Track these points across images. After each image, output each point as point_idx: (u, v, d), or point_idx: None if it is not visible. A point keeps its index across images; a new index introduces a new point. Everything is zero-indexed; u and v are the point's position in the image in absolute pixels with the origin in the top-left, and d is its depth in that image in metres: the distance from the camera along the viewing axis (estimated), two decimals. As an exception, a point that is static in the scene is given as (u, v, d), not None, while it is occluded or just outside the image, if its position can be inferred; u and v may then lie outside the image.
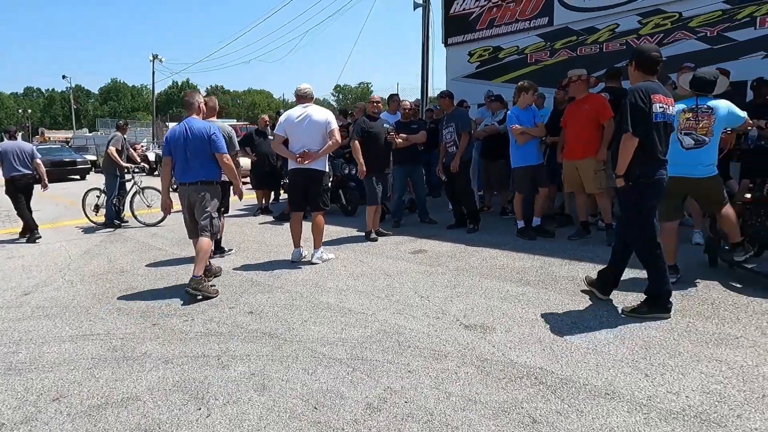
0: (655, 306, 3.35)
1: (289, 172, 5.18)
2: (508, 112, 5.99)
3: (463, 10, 10.25)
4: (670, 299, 3.36)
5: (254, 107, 74.26)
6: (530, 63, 9.36)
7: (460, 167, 6.24)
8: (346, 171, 8.08)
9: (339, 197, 8.05)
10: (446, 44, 10.68)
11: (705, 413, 2.27)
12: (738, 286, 3.89)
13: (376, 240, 6.05)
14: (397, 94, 8.22)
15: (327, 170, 5.24)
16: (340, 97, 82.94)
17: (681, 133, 3.89)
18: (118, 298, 4.30)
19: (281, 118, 5.19)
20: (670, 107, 3.35)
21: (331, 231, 6.65)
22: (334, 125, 5.16)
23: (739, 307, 3.48)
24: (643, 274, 3.61)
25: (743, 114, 3.87)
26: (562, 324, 3.34)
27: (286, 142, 5.08)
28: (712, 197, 3.96)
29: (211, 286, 4.30)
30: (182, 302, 4.10)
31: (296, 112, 5.11)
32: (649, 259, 3.38)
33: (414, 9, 12.48)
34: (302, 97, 5.19)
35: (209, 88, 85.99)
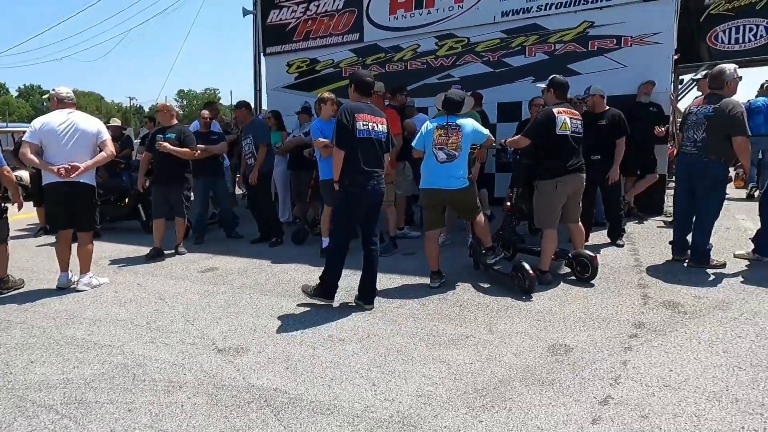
0: (324, 291, 3.93)
1: (49, 186, 4.54)
2: (311, 124, 5.99)
3: (280, 20, 10.17)
4: (335, 292, 3.95)
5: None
6: (345, 77, 9.59)
7: (259, 179, 6.09)
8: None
9: (139, 213, 7.36)
10: (265, 53, 10.50)
11: (408, 417, 2.39)
12: (486, 286, 4.31)
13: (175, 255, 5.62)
14: (213, 102, 7.82)
15: (95, 184, 4.70)
16: (185, 102, 77.65)
17: (435, 148, 4.21)
18: None
19: (35, 124, 4.52)
20: (379, 125, 3.81)
21: (122, 250, 6.03)
22: (107, 135, 4.67)
23: (481, 306, 3.84)
24: (407, 280, 3.79)
25: (486, 132, 4.32)
26: (318, 338, 3.35)
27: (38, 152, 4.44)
28: (466, 206, 4.35)
29: None
30: None
31: (57, 119, 4.50)
32: (330, 258, 3.91)
33: (244, 16, 12.09)
34: (63, 103, 4.60)
35: (22, 87, 74.37)
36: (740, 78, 4.42)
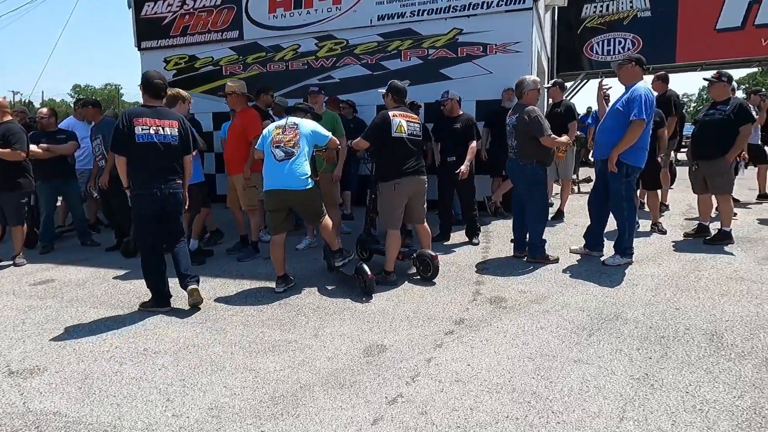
0: (155, 301, 3.87)
1: None
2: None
3: (155, 13, 9.62)
4: (168, 297, 3.91)
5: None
6: (225, 75, 9.27)
7: (111, 182, 5.69)
8: None
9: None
10: (140, 48, 9.88)
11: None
12: (332, 288, 4.30)
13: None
14: (81, 99, 7.19)
15: None
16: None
17: (273, 147, 4.12)
18: None
19: None
20: (167, 128, 3.80)
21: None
22: None
23: (318, 310, 3.82)
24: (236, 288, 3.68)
25: (327, 134, 4.30)
26: (131, 352, 3.16)
27: None
28: (310, 209, 4.31)
29: None
30: None
31: None
32: (142, 265, 3.86)
33: (129, 8, 11.29)
34: None
35: None
36: (542, 88, 4.83)
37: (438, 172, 5.99)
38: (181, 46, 9.55)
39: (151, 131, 3.72)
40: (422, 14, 7.88)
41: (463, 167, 5.51)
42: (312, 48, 8.65)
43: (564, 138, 4.93)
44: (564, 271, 4.57)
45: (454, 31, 7.77)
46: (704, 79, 5.53)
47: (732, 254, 4.90)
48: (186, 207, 4.10)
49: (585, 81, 19.45)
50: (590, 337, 3.15)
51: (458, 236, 5.93)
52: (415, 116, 4.47)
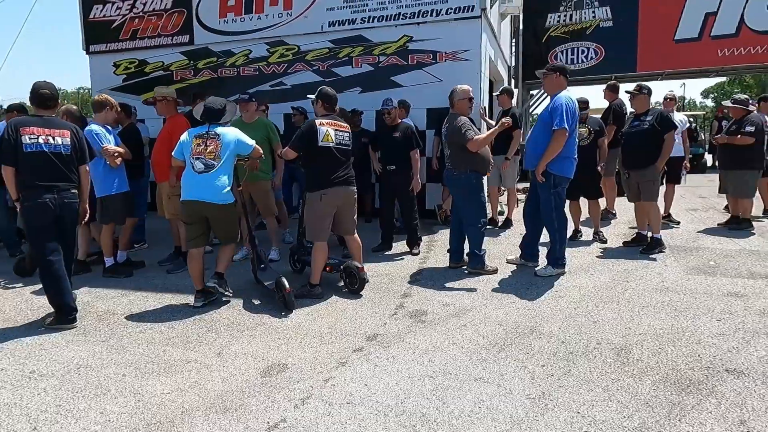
0: (59, 318, 3.68)
1: None
2: (87, 130, 5.44)
3: (104, 16, 9.36)
4: (73, 313, 3.72)
5: None
6: (176, 80, 9.07)
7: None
8: None
9: None
10: (88, 52, 9.60)
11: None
12: (257, 303, 4.15)
13: None
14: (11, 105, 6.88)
15: None
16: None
17: (193, 158, 3.97)
18: None
19: None
20: (57, 137, 3.66)
21: None
22: None
23: (232, 326, 3.67)
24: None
25: (251, 143, 4.17)
26: (14, 375, 2.96)
27: None
28: (223, 226, 4.10)
29: None
30: None
31: None
32: (42, 281, 3.71)
33: None
34: None
35: None
36: (470, 98, 4.80)
37: (378, 181, 5.90)
38: (130, 50, 9.31)
39: (40, 140, 3.57)
40: (373, 21, 7.81)
41: (413, 182, 5.47)
42: (263, 53, 8.51)
43: (486, 134, 4.73)
44: (495, 282, 4.51)
45: (404, 38, 7.72)
46: (626, 92, 5.60)
47: (665, 264, 4.90)
48: (85, 219, 3.96)
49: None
50: (499, 353, 3.07)
51: (402, 245, 5.84)
52: (345, 125, 4.36)
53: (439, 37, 7.56)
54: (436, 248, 5.91)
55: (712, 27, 14.77)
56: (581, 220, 6.26)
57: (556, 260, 4.64)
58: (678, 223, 6.83)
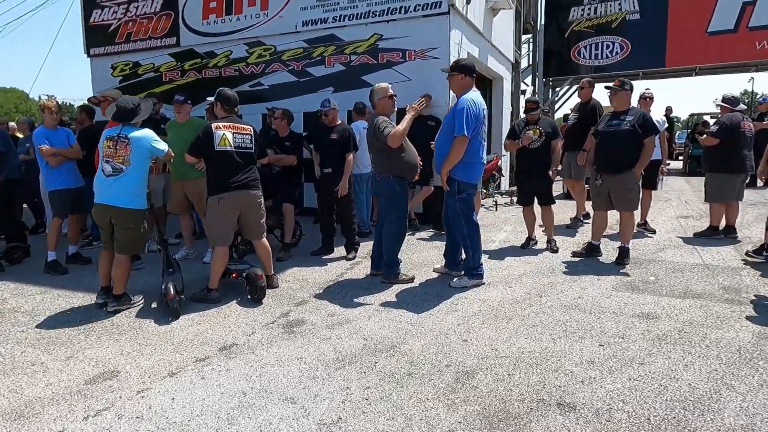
0: None
1: None
2: (35, 131, 5.66)
3: (102, 20, 9.75)
4: None
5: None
6: (165, 81, 9.32)
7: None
8: None
9: None
10: (89, 54, 10.02)
11: None
12: (155, 306, 4.15)
13: None
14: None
15: None
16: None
17: (104, 161, 3.99)
18: None
19: None
20: None
21: None
22: None
23: (110, 328, 3.68)
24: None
25: (163, 147, 4.12)
26: None
27: None
28: (125, 231, 4.01)
29: None
30: None
31: None
32: None
33: None
34: None
35: None
36: (391, 96, 4.54)
37: (316, 183, 5.80)
38: (126, 53, 9.66)
39: None
40: (344, 20, 7.70)
41: (340, 185, 5.31)
42: (243, 54, 8.59)
43: (403, 125, 4.38)
44: (401, 292, 4.31)
45: (374, 36, 7.57)
46: (605, 87, 5.18)
47: (597, 278, 4.53)
48: None
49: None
50: (336, 371, 2.91)
51: (343, 251, 5.71)
52: (246, 127, 4.28)
53: (408, 35, 7.36)
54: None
55: (750, 17, 13.68)
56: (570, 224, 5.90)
57: (471, 271, 4.38)
58: (654, 231, 6.32)
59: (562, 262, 5.12)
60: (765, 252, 4.87)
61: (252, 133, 4.29)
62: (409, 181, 4.60)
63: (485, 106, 4.40)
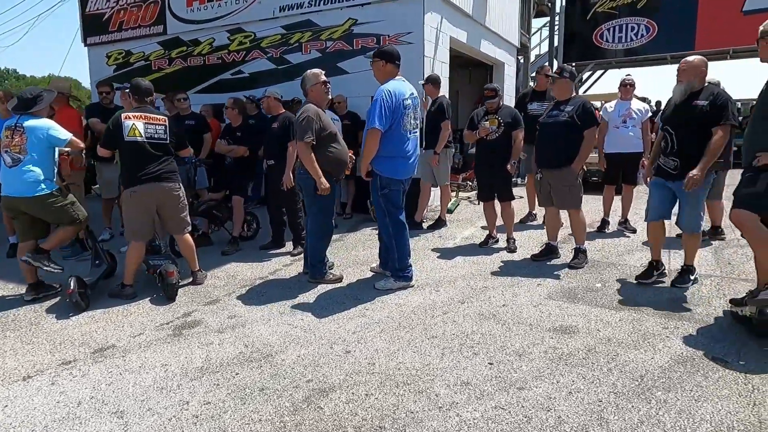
0: None
1: None
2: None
3: (97, 9, 9.83)
4: None
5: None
6: (155, 70, 9.33)
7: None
8: None
9: None
10: (86, 44, 10.15)
11: None
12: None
13: None
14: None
15: None
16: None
17: (3, 152, 3.96)
18: None
19: None
20: None
21: None
22: None
23: (13, 323, 3.62)
24: None
25: (65, 136, 4.03)
26: None
27: None
28: (48, 216, 4.06)
29: None
30: None
31: None
32: None
33: None
34: None
35: None
36: (325, 82, 4.24)
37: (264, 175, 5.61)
38: (118, 42, 9.72)
39: None
40: (320, 4, 7.44)
41: (284, 177, 5.08)
42: (225, 42, 8.47)
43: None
44: (322, 294, 4.08)
45: (349, 21, 7.27)
46: (546, 75, 4.74)
47: (537, 284, 4.15)
48: None
49: (602, 72, 17.86)
50: (191, 381, 2.72)
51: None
52: (160, 117, 4.11)
53: (382, 19, 7.03)
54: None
55: (793, -7, 12.50)
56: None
57: (396, 273, 4.10)
58: (634, 231, 5.81)
59: (512, 264, 4.75)
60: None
61: (166, 123, 4.12)
62: (337, 178, 4.31)
63: (413, 94, 4.06)
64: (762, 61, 3.17)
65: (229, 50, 8.42)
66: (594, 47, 15.39)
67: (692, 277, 3.99)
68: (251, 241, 5.85)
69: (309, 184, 4.25)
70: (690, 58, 3.73)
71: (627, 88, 5.69)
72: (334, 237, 5.93)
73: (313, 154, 4.05)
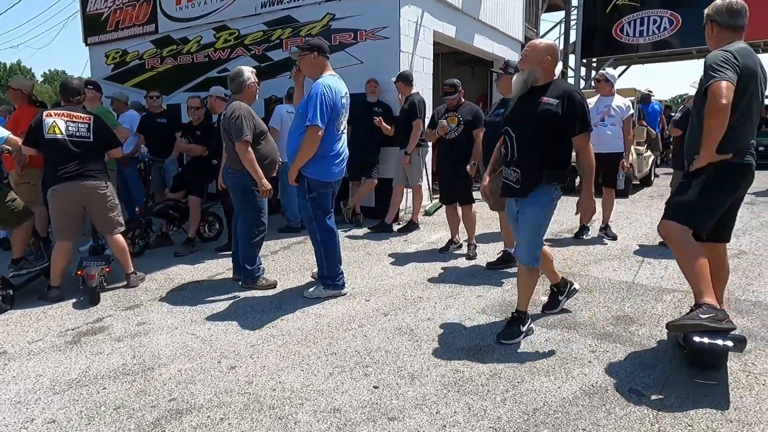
0: None
1: None
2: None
3: (96, 9, 9.94)
4: None
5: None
6: (148, 69, 9.35)
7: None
8: None
9: None
10: (87, 43, 10.29)
11: None
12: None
13: None
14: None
15: None
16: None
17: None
18: None
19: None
20: None
21: None
22: None
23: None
24: None
25: (4, 134, 3.99)
26: None
27: None
28: None
29: None
30: None
31: None
32: None
33: None
34: None
35: (47, 72, 75.28)
36: (256, 83, 4.04)
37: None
38: (116, 41, 9.80)
39: None
40: (299, -1, 7.23)
41: (219, 178, 4.89)
42: (211, 39, 8.39)
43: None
44: (246, 300, 3.88)
45: (327, 17, 7.05)
46: (491, 71, 4.40)
47: (477, 295, 3.83)
48: None
49: (625, 67, 17.05)
50: (54, 395, 2.56)
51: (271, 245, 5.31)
52: (84, 116, 3.98)
53: (359, 13, 6.77)
54: (277, 253, 5.31)
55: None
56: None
57: (326, 280, 3.85)
58: (614, 237, 5.37)
59: (463, 272, 4.43)
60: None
61: (91, 122, 4.00)
62: (268, 176, 4.09)
63: (346, 92, 3.81)
64: (711, 49, 2.76)
65: (215, 48, 8.33)
66: (614, 41, 14.70)
67: (523, 329, 3.01)
68: (214, 242, 5.72)
69: (237, 183, 4.07)
70: (536, 41, 3.00)
71: (601, 83, 5.25)
72: (294, 240, 5.79)
73: (253, 154, 3.89)
